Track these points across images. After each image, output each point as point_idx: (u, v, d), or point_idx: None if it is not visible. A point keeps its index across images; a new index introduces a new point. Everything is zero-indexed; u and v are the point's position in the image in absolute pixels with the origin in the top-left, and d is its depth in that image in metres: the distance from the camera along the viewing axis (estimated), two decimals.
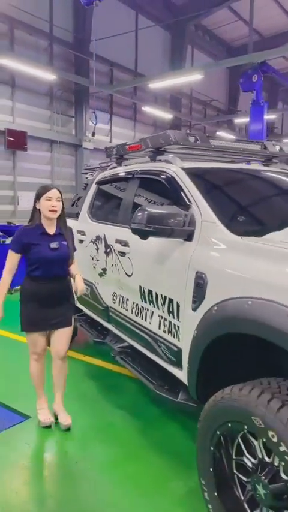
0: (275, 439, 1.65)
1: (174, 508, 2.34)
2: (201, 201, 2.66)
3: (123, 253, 3.37)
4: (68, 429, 3.07)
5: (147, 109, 14.09)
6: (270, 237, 2.24)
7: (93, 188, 4.54)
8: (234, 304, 1.99)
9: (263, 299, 1.83)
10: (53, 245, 2.93)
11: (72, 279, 3.15)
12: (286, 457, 1.60)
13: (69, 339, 3.16)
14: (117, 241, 3.45)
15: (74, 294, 3.16)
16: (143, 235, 2.64)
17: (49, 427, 3.09)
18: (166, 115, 15.57)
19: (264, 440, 1.72)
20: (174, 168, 3.05)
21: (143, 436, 3.08)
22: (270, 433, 1.67)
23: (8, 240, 8.68)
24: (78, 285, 3.09)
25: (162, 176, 3.11)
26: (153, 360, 3.00)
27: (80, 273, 3.20)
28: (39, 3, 11.22)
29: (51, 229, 2.98)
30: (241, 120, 18.27)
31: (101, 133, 14.16)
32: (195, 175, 2.95)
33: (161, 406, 3.47)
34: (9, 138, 10.68)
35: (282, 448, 1.62)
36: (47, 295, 2.96)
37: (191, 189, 2.78)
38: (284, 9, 17.46)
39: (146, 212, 2.54)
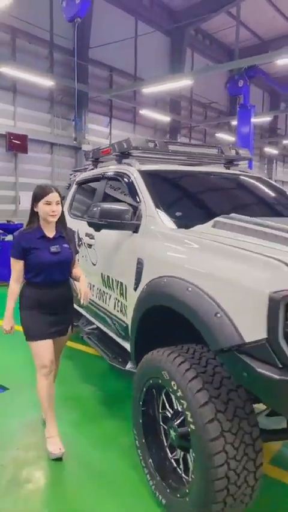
0: (175, 387, 2.09)
1: (119, 457, 2.78)
2: (148, 198, 3.10)
3: (90, 245, 3.84)
4: (59, 459, 2.73)
5: (145, 112, 14.53)
6: (196, 229, 2.67)
7: (73, 188, 5.02)
8: (155, 283, 2.43)
9: (173, 276, 2.27)
10: (54, 249, 2.75)
11: (74, 283, 3.01)
12: (182, 401, 2.04)
13: (64, 346, 3.08)
14: (86, 234, 3.92)
15: (79, 297, 2.87)
16: (96, 227, 3.11)
17: (60, 459, 2.74)
18: (164, 118, 15.99)
19: (170, 389, 2.15)
20: (132, 169, 3.49)
21: (104, 404, 3.53)
22: (172, 383, 2.12)
23: (8, 238, 9.20)
24: (81, 288, 2.85)
25: (123, 177, 3.55)
26: (113, 337, 3.45)
27: (84, 275, 3.03)
28: (40, 13, 11.75)
29: (50, 232, 2.80)
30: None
31: (101, 136, 14.64)
32: (148, 176, 3.39)
33: (123, 381, 3.90)
34: (10, 141, 11.22)
35: (179, 394, 2.06)
36: (51, 301, 2.78)
37: (141, 188, 3.23)
38: (282, 13, 17.77)
39: (99, 208, 3.00)
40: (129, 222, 3.02)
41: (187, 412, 2.00)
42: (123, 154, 3.91)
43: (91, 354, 4.61)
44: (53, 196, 2.72)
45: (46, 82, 10.65)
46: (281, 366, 1.70)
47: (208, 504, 1.93)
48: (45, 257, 2.72)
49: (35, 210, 2.76)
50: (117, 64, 14.66)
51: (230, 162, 4.38)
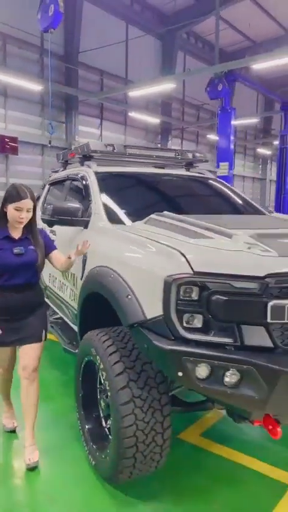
0: (99, 361, 2.41)
1: (67, 430, 3.09)
2: (98, 197, 3.42)
3: (52, 241, 4.15)
4: (33, 468, 2.67)
5: (134, 115, 14.86)
6: (132, 225, 2.98)
7: (46, 188, 5.33)
8: (91, 272, 2.75)
9: (102, 266, 2.59)
10: (17, 250, 2.62)
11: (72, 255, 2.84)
12: (103, 372, 2.35)
13: (40, 354, 2.79)
14: (51, 231, 4.23)
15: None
16: (49, 224, 3.43)
17: (13, 431, 3.08)
18: (154, 120, 16.31)
19: (96, 363, 2.46)
20: (89, 171, 3.81)
21: (63, 385, 3.85)
22: (97, 357, 2.43)
23: None
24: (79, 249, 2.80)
25: (82, 178, 3.87)
26: (70, 324, 3.77)
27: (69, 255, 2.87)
28: (30, 19, 12.08)
29: (16, 234, 2.68)
30: (237, 122, 18.80)
31: (92, 137, 14.96)
32: (102, 177, 3.70)
33: None
34: (1, 143, 11.56)
35: (101, 366, 2.37)
36: (13, 306, 2.64)
37: (93, 188, 3.55)
38: (272, 17, 18.07)
39: (51, 206, 3.32)
40: (79, 219, 3.34)
41: (106, 382, 2.31)
42: (86, 157, 4.21)
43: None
44: (25, 203, 2.58)
45: (35, 86, 10.97)
46: (172, 338, 2.01)
47: (120, 459, 2.24)
48: (7, 259, 2.60)
49: (5, 210, 2.63)
50: (108, 67, 14.99)
51: (189, 164, 4.70)
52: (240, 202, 3.99)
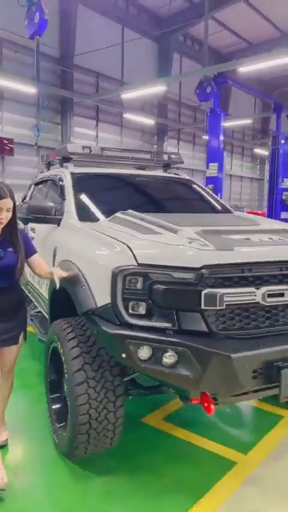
0: (59, 346, 2.62)
1: (39, 415, 3.29)
2: (71, 196, 3.64)
3: (33, 238, 4.37)
4: (1, 447, 2.83)
5: (129, 116, 15.10)
6: (98, 222, 3.19)
7: (31, 188, 5.56)
8: (57, 265, 2.96)
9: (65, 260, 2.81)
10: None
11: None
12: (62, 356, 2.56)
13: (16, 356, 2.80)
14: (31, 229, 4.46)
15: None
16: (24, 221, 3.64)
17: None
18: (149, 121, 16.56)
19: (58, 349, 2.68)
20: (66, 172, 4.03)
21: (39, 374, 4.06)
22: (59, 343, 2.65)
23: None
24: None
25: (60, 178, 4.08)
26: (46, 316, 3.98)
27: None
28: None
29: None
30: (231, 123, 18.98)
31: (88, 138, 15.21)
32: (77, 177, 3.92)
33: None
34: None
35: (61, 351, 2.59)
36: None
37: (67, 188, 3.77)
38: (268, 19, 18.28)
39: (26, 205, 3.55)
40: (53, 217, 3.55)
41: (65, 365, 2.53)
42: (65, 159, 4.43)
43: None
44: (5, 203, 2.48)
45: (31, 89, 11.22)
46: (118, 323, 2.23)
47: (75, 435, 2.45)
48: None
49: None
50: (104, 70, 15.23)
51: (166, 166, 4.91)
52: (208, 202, 4.20)
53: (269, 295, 2.26)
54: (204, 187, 4.59)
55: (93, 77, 15.09)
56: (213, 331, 2.21)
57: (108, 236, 2.61)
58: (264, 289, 2.25)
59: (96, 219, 3.33)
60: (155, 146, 18.46)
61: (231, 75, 12.07)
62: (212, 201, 4.24)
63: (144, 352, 2.18)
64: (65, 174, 4.00)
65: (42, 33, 6.79)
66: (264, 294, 2.25)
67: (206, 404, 2.25)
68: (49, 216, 3.57)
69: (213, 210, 4.04)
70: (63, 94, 13.06)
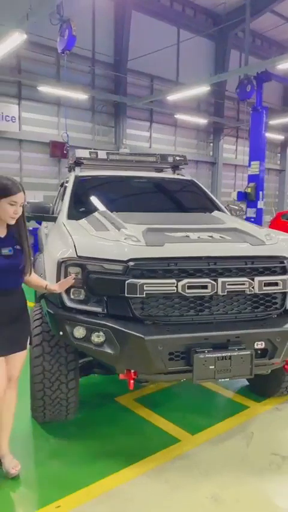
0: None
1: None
2: (68, 197, 4.11)
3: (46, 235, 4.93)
4: (15, 477, 2.55)
5: (180, 116, 15.33)
6: (79, 221, 3.60)
7: (59, 190, 6.16)
8: (39, 257, 3.44)
9: (41, 252, 3.27)
10: (5, 251, 2.39)
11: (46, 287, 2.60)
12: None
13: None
14: (45, 227, 5.03)
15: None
16: (27, 219, 4.18)
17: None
18: (202, 120, 16.65)
19: None
20: (72, 175, 4.52)
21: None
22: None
23: None
24: (56, 286, 2.59)
25: (66, 181, 4.59)
26: None
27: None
28: (82, 35, 13.22)
29: (2, 231, 2.45)
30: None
31: (141, 140, 15.73)
32: (79, 180, 4.39)
33: None
34: (53, 148, 12.82)
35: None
36: (5, 312, 2.42)
37: (67, 189, 4.25)
38: None
39: (28, 204, 4.09)
40: (50, 216, 4.06)
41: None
42: (76, 163, 4.92)
43: None
44: (21, 197, 2.39)
45: (85, 96, 12.00)
46: (60, 306, 2.63)
47: (33, 400, 2.90)
48: None
49: None
50: (158, 72, 15.61)
51: (175, 167, 5.18)
52: (198, 201, 4.42)
53: (189, 287, 2.50)
54: (202, 187, 4.79)
55: (147, 79, 15.55)
56: (136, 316, 2.52)
57: (69, 232, 3.01)
58: (185, 281, 2.50)
59: (80, 218, 3.75)
60: (211, 145, 18.45)
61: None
62: (203, 200, 4.44)
63: (77, 331, 2.56)
64: (70, 177, 4.48)
65: (71, 48, 7.36)
66: (184, 286, 2.49)
67: (129, 380, 2.57)
68: (47, 215, 4.07)
69: (201, 208, 4.23)
70: (113, 99, 13.71)
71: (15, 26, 7.73)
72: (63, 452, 2.85)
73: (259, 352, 2.65)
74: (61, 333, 2.60)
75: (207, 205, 4.32)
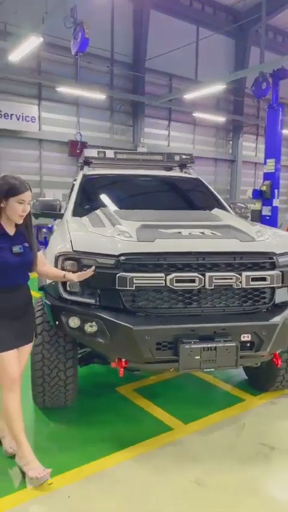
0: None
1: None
2: (74, 194, 4.29)
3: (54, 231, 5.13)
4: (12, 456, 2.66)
5: (199, 115, 15.35)
6: (80, 217, 3.75)
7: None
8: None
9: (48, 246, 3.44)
10: (16, 249, 2.47)
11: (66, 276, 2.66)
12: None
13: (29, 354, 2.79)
14: (56, 224, 5.22)
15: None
16: (35, 216, 4.37)
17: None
18: (221, 118, 16.61)
19: None
20: (80, 174, 4.69)
21: None
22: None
23: None
24: (77, 275, 2.65)
25: (75, 180, 4.76)
26: None
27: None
28: (101, 36, 13.45)
29: (11, 229, 2.52)
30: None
31: (160, 139, 15.84)
32: (87, 178, 4.57)
33: None
34: (71, 148, 13.09)
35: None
36: (13, 307, 2.52)
37: (74, 188, 4.42)
38: None
39: (37, 202, 4.29)
40: (58, 213, 4.24)
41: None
42: (85, 162, 5.09)
43: None
44: (28, 196, 2.46)
45: (103, 96, 12.21)
46: (57, 297, 2.79)
47: (33, 386, 3.08)
48: (8, 258, 2.44)
49: (1, 205, 2.43)
50: (177, 71, 15.66)
51: (183, 166, 5.29)
52: (200, 199, 4.51)
53: (177, 281, 2.62)
54: (207, 185, 4.86)
55: (165, 78, 15.63)
56: (127, 308, 2.65)
57: (68, 229, 3.17)
58: (173, 275, 2.61)
59: (84, 215, 3.91)
60: (230, 142, 18.35)
61: None
62: (206, 198, 4.53)
63: (72, 321, 2.71)
64: (79, 176, 4.66)
65: (84, 50, 7.54)
66: (173, 280, 2.61)
67: (119, 368, 2.70)
68: (54, 212, 4.26)
69: (203, 206, 4.31)
70: (135, 98, 13.87)
71: (32, 30, 7.98)
72: (60, 435, 3.02)
73: (248, 345, 2.75)
74: (57, 322, 2.76)
75: (210, 203, 4.40)
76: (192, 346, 2.55)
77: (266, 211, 10.26)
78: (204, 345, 2.57)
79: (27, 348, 2.70)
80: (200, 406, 3.48)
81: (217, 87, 11.34)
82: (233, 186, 18.46)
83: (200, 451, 2.83)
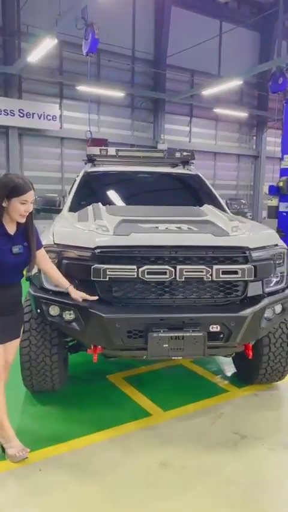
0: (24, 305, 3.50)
1: None
2: (73, 190, 4.49)
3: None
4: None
5: (220, 111, 15.28)
6: (76, 213, 3.94)
7: None
8: None
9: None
10: (16, 249, 2.53)
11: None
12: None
13: (17, 348, 2.93)
14: None
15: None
16: (36, 212, 4.61)
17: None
18: (250, 112, 16.47)
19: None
20: (82, 171, 4.89)
21: None
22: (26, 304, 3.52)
23: None
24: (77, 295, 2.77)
25: (77, 176, 4.97)
26: None
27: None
28: (124, 35, 13.65)
29: (12, 229, 2.56)
30: None
31: (181, 135, 15.86)
32: (88, 175, 4.77)
33: None
34: (93, 145, 13.34)
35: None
36: (6, 303, 2.62)
37: (75, 184, 4.62)
38: None
39: (39, 198, 4.52)
40: (57, 208, 4.46)
41: None
42: (90, 160, 5.28)
43: None
44: (31, 195, 2.49)
45: (122, 94, 12.40)
46: (40, 287, 2.99)
47: (22, 370, 3.29)
48: (7, 257, 2.50)
49: (4, 205, 2.45)
50: (200, 66, 15.61)
51: (185, 163, 5.38)
52: (194, 194, 4.61)
53: (149, 273, 2.75)
54: (205, 181, 4.94)
55: (187, 74, 15.62)
56: (102, 297, 2.81)
57: (57, 223, 3.37)
58: (144, 267, 2.75)
59: (78, 210, 4.10)
60: (254, 138, 18.10)
61: None
62: (200, 194, 4.62)
63: (52, 310, 2.91)
64: (81, 173, 4.86)
65: (95, 51, 7.70)
66: (144, 272, 2.74)
67: (95, 355, 2.88)
68: (54, 208, 4.48)
69: (195, 202, 4.38)
70: (152, 95, 13.99)
71: (49, 31, 8.23)
72: (44, 416, 3.23)
73: (220, 336, 2.85)
74: (39, 310, 2.96)
75: (204, 199, 4.48)
76: (160, 334, 2.69)
77: (283, 207, 10.11)
78: (172, 334, 2.70)
79: (15, 342, 2.80)
80: (182, 395, 3.60)
81: (236, 83, 11.25)
82: (256, 182, 18.23)
83: (172, 436, 2.97)
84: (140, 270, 2.75)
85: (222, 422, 3.17)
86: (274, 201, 10.26)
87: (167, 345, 2.70)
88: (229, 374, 4.05)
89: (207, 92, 12.42)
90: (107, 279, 2.76)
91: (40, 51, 8.78)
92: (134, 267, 2.76)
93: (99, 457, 2.72)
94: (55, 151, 13.59)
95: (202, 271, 2.79)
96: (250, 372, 3.68)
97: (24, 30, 11.82)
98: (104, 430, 3.03)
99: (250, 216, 13.11)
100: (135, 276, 2.76)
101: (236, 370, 4.03)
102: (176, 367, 4.20)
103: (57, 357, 3.27)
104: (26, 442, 2.77)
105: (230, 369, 4.11)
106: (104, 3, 10.06)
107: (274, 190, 10.15)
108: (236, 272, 2.84)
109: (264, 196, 11.33)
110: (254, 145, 18.37)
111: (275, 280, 3.12)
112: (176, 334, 2.69)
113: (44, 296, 2.94)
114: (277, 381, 3.70)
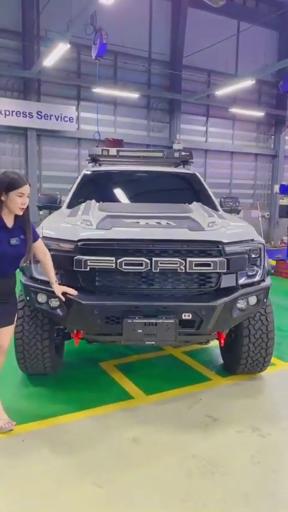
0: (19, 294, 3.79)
1: None
2: (73, 188, 4.76)
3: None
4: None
5: (237, 110, 15.28)
6: (71, 209, 4.19)
7: None
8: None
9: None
10: (13, 241, 2.72)
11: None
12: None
13: (12, 335, 3.11)
14: None
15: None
16: (38, 208, 4.91)
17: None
18: (268, 112, 16.39)
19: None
20: (84, 170, 5.17)
21: None
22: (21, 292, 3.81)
23: None
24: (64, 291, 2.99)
25: (79, 175, 5.24)
26: None
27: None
28: (141, 36, 13.88)
29: (10, 221, 2.76)
30: None
31: (197, 135, 15.96)
32: (88, 174, 5.03)
33: None
34: (108, 145, 13.64)
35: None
36: (0, 292, 2.82)
37: (76, 182, 4.90)
38: None
39: (41, 196, 4.82)
40: (56, 205, 4.74)
41: None
42: (93, 160, 5.54)
43: None
44: (27, 189, 2.70)
45: (136, 95, 12.63)
46: (29, 277, 3.27)
47: (16, 353, 3.57)
48: (4, 249, 2.70)
49: (3, 199, 2.67)
50: (217, 66, 15.65)
51: (185, 162, 5.58)
52: (187, 192, 4.79)
53: (126, 264, 2.97)
54: (201, 180, 5.11)
55: (204, 75, 15.69)
56: (83, 286, 3.06)
57: (49, 218, 3.64)
58: (122, 259, 2.98)
59: (72, 206, 4.36)
60: (272, 137, 17.97)
61: None
62: (193, 192, 4.80)
63: (40, 297, 3.17)
64: (82, 172, 5.14)
65: (103, 55, 7.95)
66: (122, 263, 2.97)
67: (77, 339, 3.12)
68: (55, 205, 4.77)
69: (186, 199, 4.53)
70: (167, 96, 14.15)
71: (64, 36, 8.55)
72: (35, 396, 3.51)
73: (194, 324, 3.04)
74: (28, 298, 3.24)
75: (197, 197, 4.65)
76: (134, 321, 2.91)
77: None
78: (146, 320, 2.91)
79: (9, 328, 2.98)
80: (167, 382, 3.81)
81: (250, 82, 11.24)
82: (274, 182, 18.06)
83: (148, 417, 3.18)
84: (118, 261, 2.98)
85: (199, 407, 3.36)
86: (285, 200, 10.28)
87: (141, 331, 2.92)
88: (216, 364, 4.22)
89: (222, 91, 12.48)
90: (88, 269, 3.01)
91: (54, 55, 9.13)
92: (113, 258, 2.99)
93: (78, 432, 2.97)
94: (72, 151, 13.94)
95: (176, 263, 2.99)
96: (233, 363, 3.84)
97: (43, 35, 12.23)
98: (86, 410, 3.27)
99: (252, 214, 13.02)
100: (114, 266, 2.99)
101: (222, 362, 4.20)
102: (166, 357, 4.41)
103: (48, 342, 3.53)
104: (14, 417, 3.05)
105: (218, 360, 4.28)
106: (120, 7, 10.31)
107: (285, 190, 10.18)
108: (208, 265, 3.03)
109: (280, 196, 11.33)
110: (272, 145, 18.23)
111: (250, 273, 3.29)
112: (150, 321, 2.91)
113: (33, 285, 3.21)
114: (259, 371, 3.85)
